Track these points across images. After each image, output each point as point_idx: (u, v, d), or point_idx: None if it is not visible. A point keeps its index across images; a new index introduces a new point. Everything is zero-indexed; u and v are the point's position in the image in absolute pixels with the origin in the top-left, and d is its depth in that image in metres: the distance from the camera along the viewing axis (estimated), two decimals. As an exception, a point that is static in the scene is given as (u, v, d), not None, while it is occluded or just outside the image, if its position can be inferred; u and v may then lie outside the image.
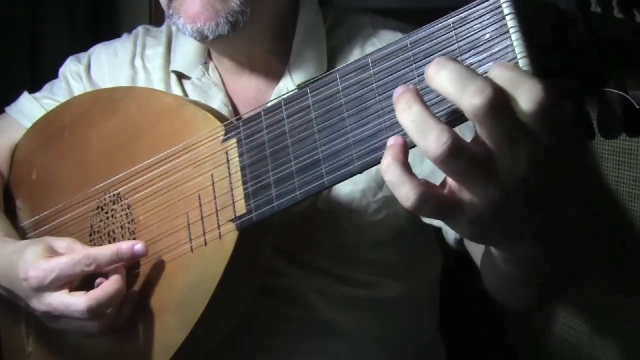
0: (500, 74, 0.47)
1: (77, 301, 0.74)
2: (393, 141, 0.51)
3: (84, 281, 0.78)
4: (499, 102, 0.46)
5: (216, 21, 0.83)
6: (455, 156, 0.47)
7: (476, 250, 0.87)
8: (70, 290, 0.76)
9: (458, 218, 0.51)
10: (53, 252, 0.78)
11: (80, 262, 0.75)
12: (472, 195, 0.50)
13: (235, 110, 0.96)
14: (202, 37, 0.84)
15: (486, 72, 0.49)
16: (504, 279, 0.74)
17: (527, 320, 1.25)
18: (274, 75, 0.95)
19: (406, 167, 0.50)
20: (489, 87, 0.46)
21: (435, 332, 1.08)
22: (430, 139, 0.47)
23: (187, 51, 0.99)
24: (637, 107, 0.49)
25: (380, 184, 0.91)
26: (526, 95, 0.46)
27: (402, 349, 0.99)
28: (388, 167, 0.50)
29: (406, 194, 0.49)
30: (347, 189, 0.90)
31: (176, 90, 0.98)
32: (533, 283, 0.72)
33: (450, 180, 0.51)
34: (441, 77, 0.48)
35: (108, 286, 0.75)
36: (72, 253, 0.77)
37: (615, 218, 1.04)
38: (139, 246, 0.76)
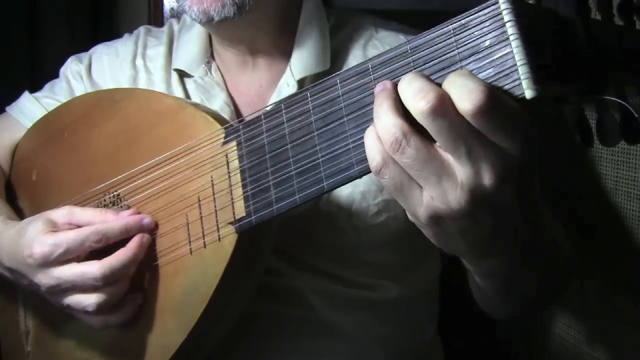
0: (450, 79, 0.50)
1: (91, 268, 0.74)
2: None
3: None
4: (438, 104, 0.49)
5: (222, 2, 0.83)
6: (403, 147, 0.51)
7: None
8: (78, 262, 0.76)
9: (415, 205, 0.54)
10: (54, 225, 0.78)
11: (89, 238, 0.75)
12: (429, 193, 0.52)
13: (237, 110, 0.96)
14: (207, 19, 0.84)
15: (487, 79, 0.50)
16: (482, 291, 0.75)
17: (526, 320, 1.25)
18: (276, 71, 0.95)
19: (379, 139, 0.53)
20: (432, 91, 0.49)
21: (435, 332, 1.08)
22: (384, 133, 0.51)
23: (190, 50, 0.99)
24: (636, 115, 0.49)
25: (381, 187, 0.91)
26: (465, 96, 0.48)
27: (402, 349, 1.00)
28: (369, 132, 0.54)
29: (373, 155, 0.53)
30: (347, 191, 0.90)
31: (177, 89, 0.98)
32: (509, 298, 0.72)
33: None
34: (400, 90, 0.52)
35: (123, 252, 0.75)
36: (80, 228, 0.77)
37: (613, 218, 1.04)
38: (146, 220, 0.77)
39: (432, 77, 0.52)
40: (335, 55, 0.95)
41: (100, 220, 0.78)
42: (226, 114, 0.93)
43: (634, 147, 1.01)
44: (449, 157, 0.51)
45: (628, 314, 1.04)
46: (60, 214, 0.79)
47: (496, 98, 0.48)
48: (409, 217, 0.56)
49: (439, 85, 0.51)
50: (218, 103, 0.94)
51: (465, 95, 0.48)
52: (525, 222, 0.56)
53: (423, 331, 1.05)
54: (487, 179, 0.50)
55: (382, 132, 0.51)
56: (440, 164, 0.50)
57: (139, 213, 0.79)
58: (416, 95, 0.50)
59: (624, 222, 1.03)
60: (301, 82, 0.91)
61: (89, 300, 0.76)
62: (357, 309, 0.95)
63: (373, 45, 0.96)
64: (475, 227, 0.53)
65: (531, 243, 0.60)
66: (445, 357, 1.09)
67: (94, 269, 0.74)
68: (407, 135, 0.50)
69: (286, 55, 0.94)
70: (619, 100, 0.50)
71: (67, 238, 0.75)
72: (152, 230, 0.78)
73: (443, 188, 0.51)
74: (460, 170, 0.50)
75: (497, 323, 1.31)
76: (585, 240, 1.06)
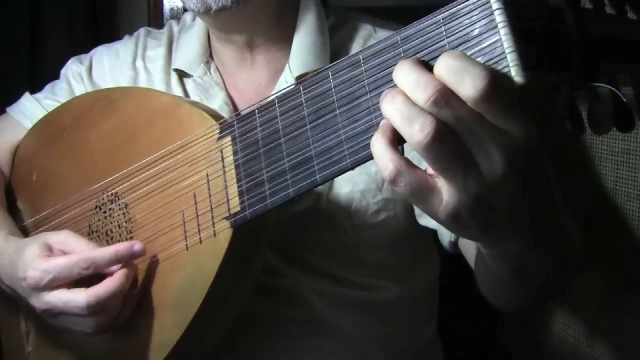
0: (445, 64, 0.48)
1: (76, 297, 0.74)
2: (386, 121, 0.53)
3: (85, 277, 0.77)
4: (439, 96, 0.48)
5: None
6: (439, 142, 0.48)
7: (470, 253, 0.87)
8: (69, 288, 0.76)
9: (434, 205, 0.52)
10: (50, 250, 0.79)
11: (78, 264, 0.75)
12: (450, 186, 0.51)
13: (235, 109, 0.96)
14: (205, 9, 0.85)
15: None
16: (495, 279, 0.74)
17: (525, 320, 1.25)
18: (275, 68, 0.95)
19: (393, 144, 0.52)
20: (431, 82, 0.48)
21: (434, 332, 1.08)
22: (415, 124, 0.49)
23: (189, 50, 0.99)
24: (625, 100, 0.49)
25: (380, 185, 0.91)
26: (470, 83, 0.47)
27: (401, 349, 0.99)
28: (376, 141, 0.52)
29: (385, 164, 0.51)
30: (347, 189, 0.90)
31: (177, 90, 0.99)
32: (523, 282, 0.72)
33: (431, 170, 0.52)
34: (398, 80, 0.51)
35: (110, 283, 0.75)
36: (70, 254, 0.77)
37: (613, 218, 1.04)
38: (137, 246, 0.76)
39: None
40: (335, 54, 0.95)
41: (89, 250, 0.77)
42: (225, 113, 0.93)
43: (634, 148, 1.01)
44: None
45: (628, 313, 1.03)
46: (56, 239, 0.80)
47: (498, 80, 0.47)
48: (427, 214, 0.55)
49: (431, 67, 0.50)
50: (217, 102, 0.95)
51: (469, 81, 0.47)
52: (539, 204, 0.56)
53: (422, 331, 1.05)
54: (498, 163, 0.49)
55: (417, 127, 0.49)
56: (463, 151, 0.49)
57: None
58: (417, 88, 0.49)
59: (623, 222, 1.03)
60: (300, 79, 0.91)
61: (83, 325, 0.77)
62: (357, 309, 0.95)
63: None
64: (490, 213, 0.52)
65: (545, 226, 0.60)
66: (445, 357, 1.08)
67: (79, 298, 0.74)
68: (441, 129, 0.48)
69: (285, 51, 0.94)
70: (609, 87, 0.50)
71: (57, 265, 0.76)
72: (143, 255, 0.77)
73: (465, 177, 0.50)
74: (478, 158, 0.49)
75: (497, 323, 1.31)
76: (585, 240, 1.06)
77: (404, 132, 0.50)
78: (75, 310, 0.75)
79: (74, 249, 0.78)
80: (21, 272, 0.78)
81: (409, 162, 0.51)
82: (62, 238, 0.80)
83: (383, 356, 0.97)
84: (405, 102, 0.50)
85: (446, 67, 0.48)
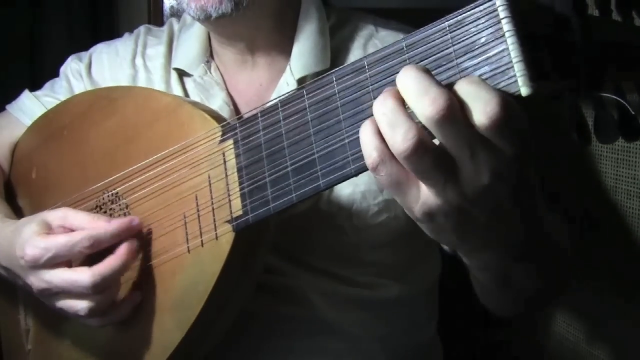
0: (461, 87, 0.49)
1: (80, 276, 0.74)
2: None
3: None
4: (448, 113, 0.48)
5: None
6: (420, 154, 0.49)
7: None
8: (69, 267, 0.76)
9: (410, 201, 0.53)
10: (49, 228, 0.78)
11: (79, 243, 0.75)
12: (429, 190, 0.52)
13: (236, 109, 0.95)
14: (205, 16, 0.84)
15: (482, 76, 0.50)
16: (482, 287, 0.75)
17: (525, 319, 1.25)
18: (276, 70, 0.95)
19: (379, 134, 0.52)
20: (442, 97, 0.48)
21: (435, 332, 1.08)
22: (398, 133, 0.49)
23: (189, 49, 0.99)
24: (633, 112, 0.49)
25: (382, 187, 0.91)
26: (480, 109, 0.47)
27: (402, 348, 0.99)
28: (364, 127, 0.53)
29: (370, 152, 0.52)
30: (348, 190, 0.90)
31: (177, 89, 0.98)
32: (511, 291, 0.72)
33: None
34: (402, 84, 0.50)
35: (113, 260, 0.74)
36: (71, 233, 0.77)
37: (613, 216, 1.04)
38: (135, 221, 0.77)
39: None
40: (336, 54, 0.94)
41: (91, 226, 0.77)
42: (225, 113, 0.92)
43: (634, 145, 1.00)
44: (450, 155, 0.50)
45: (628, 312, 1.03)
46: (55, 216, 0.79)
47: (509, 109, 0.47)
48: (404, 208, 0.56)
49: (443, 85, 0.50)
50: (217, 102, 0.94)
51: (480, 107, 0.47)
52: (521, 216, 0.56)
53: (423, 330, 1.05)
54: (485, 177, 0.50)
55: (399, 137, 0.49)
56: (446, 163, 0.50)
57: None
58: (423, 97, 0.49)
59: (624, 220, 1.03)
60: (301, 81, 0.90)
61: (80, 305, 0.76)
62: (358, 308, 0.95)
63: (373, 45, 0.96)
64: (469, 222, 0.53)
65: (529, 237, 0.60)
66: (445, 357, 1.09)
67: (84, 277, 0.74)
68: (423, 141, 0.49)
69: (286, 53, 0.93)
70: (615, 97, 0.50)
71: (57, 243, 0.75)
72: (141, 230, 0.77)
73: (445, 186, 0.50)
74: (462, 170, 0.50)
75: (497, 323, 1.31)
76: (586, 239, 1.06)
77: (387, 137, 0.50)
78: (79, 289, 0.74)
79: (75, 223, 0.78)
80: (19, 251, 0.77)
81: (392, 154, 0.51)
82: (60, 214, 0.79)
83: (384, 355, 0.97)
84: (394, 109, 0.50)
85: (462, 91, 0.49)
